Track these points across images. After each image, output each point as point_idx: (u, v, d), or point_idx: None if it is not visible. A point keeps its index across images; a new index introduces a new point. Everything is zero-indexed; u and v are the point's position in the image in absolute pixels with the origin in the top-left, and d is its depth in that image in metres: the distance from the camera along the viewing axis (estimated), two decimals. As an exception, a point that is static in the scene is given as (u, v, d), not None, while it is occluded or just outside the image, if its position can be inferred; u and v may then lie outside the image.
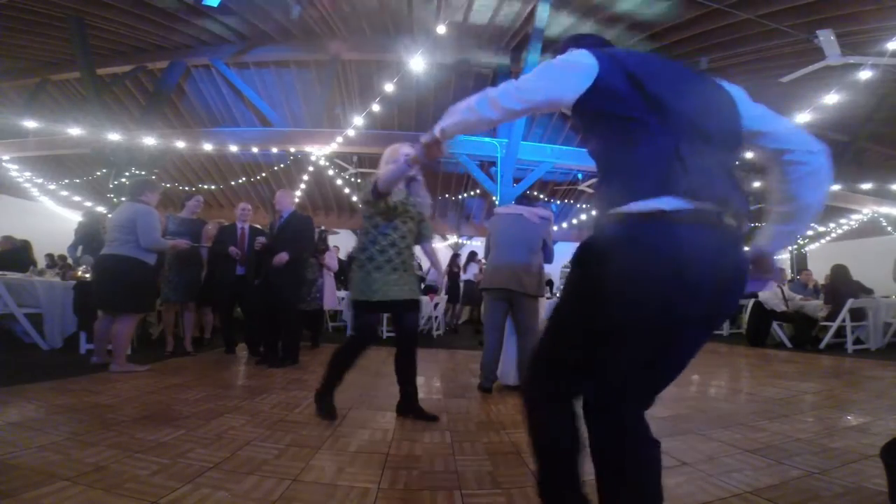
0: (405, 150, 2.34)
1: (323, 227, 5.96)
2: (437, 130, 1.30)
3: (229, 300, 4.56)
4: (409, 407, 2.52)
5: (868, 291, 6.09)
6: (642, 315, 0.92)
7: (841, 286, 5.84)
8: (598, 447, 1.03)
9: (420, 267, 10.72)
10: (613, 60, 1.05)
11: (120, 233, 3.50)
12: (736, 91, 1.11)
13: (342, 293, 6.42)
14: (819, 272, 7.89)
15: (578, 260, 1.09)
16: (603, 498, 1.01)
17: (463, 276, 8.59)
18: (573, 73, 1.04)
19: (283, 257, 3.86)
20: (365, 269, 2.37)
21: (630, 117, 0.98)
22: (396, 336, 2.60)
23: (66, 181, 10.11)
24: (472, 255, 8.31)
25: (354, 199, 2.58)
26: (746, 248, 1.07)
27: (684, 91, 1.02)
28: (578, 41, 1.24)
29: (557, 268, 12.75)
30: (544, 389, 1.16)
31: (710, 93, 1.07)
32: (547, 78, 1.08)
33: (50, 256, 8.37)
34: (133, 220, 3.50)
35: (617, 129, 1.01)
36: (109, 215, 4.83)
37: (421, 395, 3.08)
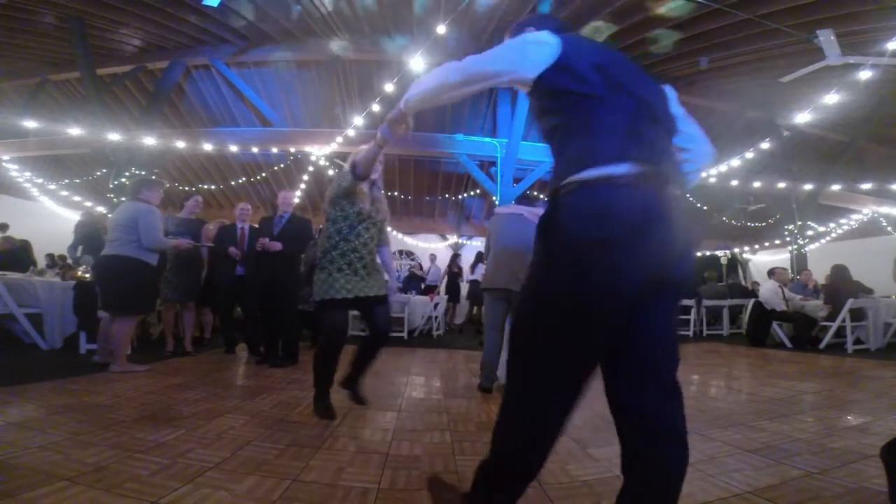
0: None
1: (322, 227, 5.97)
2: (402, 104, 1.33)
3: (229, 300, 4.56)
4: (349, 384, 2.56)
5: (868, 291, 6.09)
6: (611, 278, 0.92)
7: (841, 286, 5.84)
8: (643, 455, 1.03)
9: (421, 267, 10.74)
10: (576, 42, 1.10)
11: (121, 232, 3.47)
12: (669, 90, 1.21)
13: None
14: (819, 272, 7.88)
15: (543, 229, 1.04)
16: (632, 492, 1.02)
17: (470, 276, 8.68)
18: (537, 50, 1.08)
19: (275, 245, 3.87)
20: (327, 270, 2.38)
21: (592, 95, 1.03)
22: (369, 331, 2.61)
23: (66, 181, 10.09)
24: (480, 257, 8.36)
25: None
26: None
27: (638, 81, 1.10)
28: (538, 23, 1.27)
29: (557, 268, 12.75)
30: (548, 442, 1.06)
31: (655, 86, 1.16)
32: (511, 51, 1.12)
33: (50, 256, 8.36)
34: (135, 219, 3.47)
35: (578, 105, 1.05)
36: (110, 215, 4.82)
37: (421, 395, 3.09)
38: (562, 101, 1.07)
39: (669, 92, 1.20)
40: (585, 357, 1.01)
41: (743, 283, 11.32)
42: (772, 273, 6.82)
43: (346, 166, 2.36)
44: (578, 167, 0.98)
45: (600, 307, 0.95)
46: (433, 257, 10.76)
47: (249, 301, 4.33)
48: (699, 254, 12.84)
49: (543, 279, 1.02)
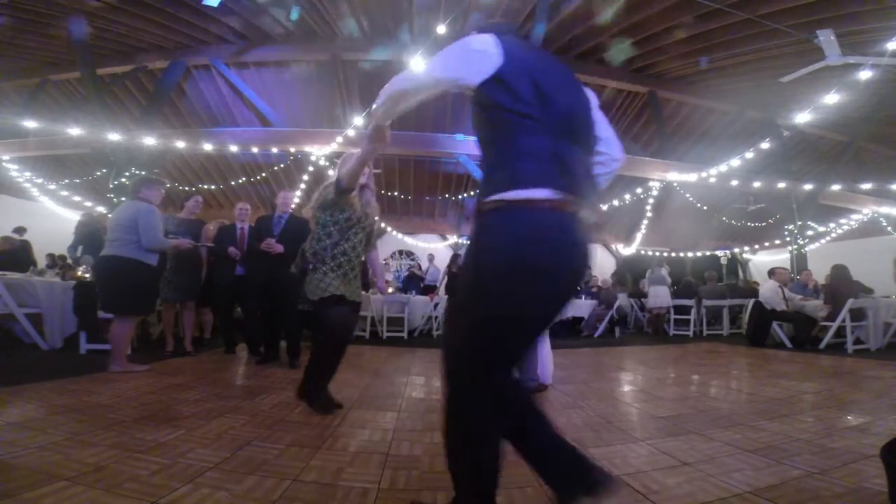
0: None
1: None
2: (371, 118, 1.43)
3: (229, 300, 4.56)
4: (315, 395, 2.56)
5: (868, 291, 6.08)
6: (527, 284, 1.03)
7: (841, 286, 5.84)
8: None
9: (420, 267, 10.74)
10: (516, 52, 1.13)
11: (121, 233, 3.44)
12: (592, 96, 1.28)
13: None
14: (819, 272, 7.88)
15: (472, 246, 1.14)
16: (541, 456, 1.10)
17: None
18: (479, 58, 1.12)
19: (278, 247, 3.89)
20: (321, 270, 2.44)
21: (524, 114, 1.08)
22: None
23: (66, 181, 10.09)
24: None
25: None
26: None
27: (567, 93, 1.16)
28: (486, 27, 1.29)
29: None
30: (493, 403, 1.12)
31: (581, 96, 1.21)
32: (455, 57, 1.16)
33: (51, 256, 8.37)
34: (134, 218, 3.45)
35: (508, 122, 1.10)
36: (110, 215, 4.82)
37: (421, 395, 3.09)
38: (494, 114, 1.12)
39: (592, 98, 1.27)
40: (513, 355, 1.15)
41: (742, 283, 11.31)
42: (772, 273, 6.82)
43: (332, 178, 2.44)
44: (503, 186, 1.07)
45: (520, 326, 1.08)
46: (431, 257, 10.77)
47: (249, 301, 4.33)
48: (699, 254, 12.85)
49: (473, 298, 1.11)
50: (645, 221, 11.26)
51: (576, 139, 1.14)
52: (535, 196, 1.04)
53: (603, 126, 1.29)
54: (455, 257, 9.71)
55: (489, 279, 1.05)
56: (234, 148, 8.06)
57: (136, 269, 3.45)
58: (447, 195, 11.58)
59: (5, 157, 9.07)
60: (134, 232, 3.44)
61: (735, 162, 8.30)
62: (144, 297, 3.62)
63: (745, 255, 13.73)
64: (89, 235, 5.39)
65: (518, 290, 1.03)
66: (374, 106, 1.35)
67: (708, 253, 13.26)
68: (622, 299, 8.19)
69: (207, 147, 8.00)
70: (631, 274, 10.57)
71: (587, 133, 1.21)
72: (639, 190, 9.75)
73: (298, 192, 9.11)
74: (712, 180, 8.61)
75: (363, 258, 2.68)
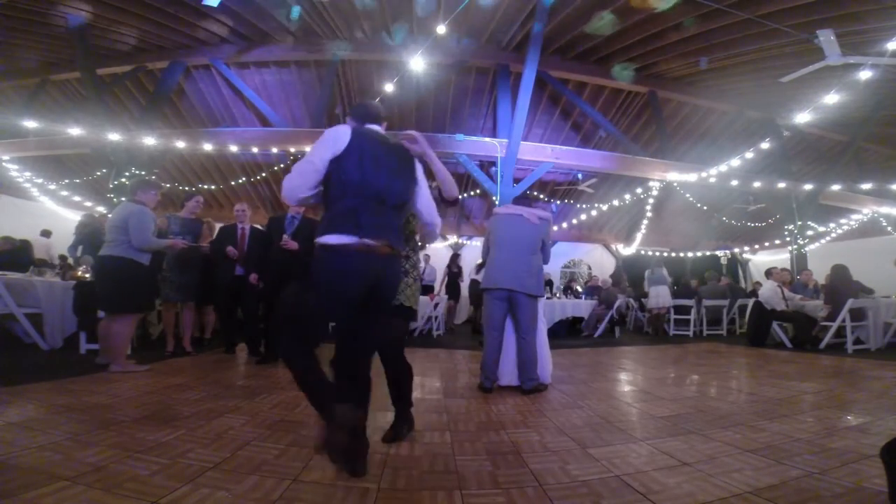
0: None
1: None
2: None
3: (229, 300, 4.56)
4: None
5: (868, 291, 6.09)
6: (335, 297, 1.62)
7: (841, 286, 5.84)
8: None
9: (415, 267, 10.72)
10: (359, 143, 1.69)
11: (116, 233, 3.51)
12: (418, 174, 1.88)
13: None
14: (819, 272, 7.88)
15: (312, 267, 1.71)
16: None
17: (473, 276, 8.69)
18: (331, 142, 1.68)
19: (292, 244, 3.93)
20: None
21: (344, 183, 1.65)
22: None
23: (66, 181, 10.08)
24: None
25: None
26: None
27: (386, 173, 1.72)
28: (356, 114, 1.91)
29: (557, 268, 12.74)
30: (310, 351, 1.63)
31: (398, 178, 1.77)
32: (320, 144, 1.69)
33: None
34: (126, 219, 3.51)
35: (335, 188, 1.66)
36: (109, 215, 4.82)
37: (421, 395, 3.09)
38: (329, 182, 1.67)
39: (417, 174, 1.86)
40: (341, 317, 1.76)
41: (743, 283, 11.31)
42: (769, 273, 6.81)
43: None
44: (323, 232, 1.64)
45: (338, 309, 1.67)
46: (427, 257, 10.75)
47: (249, 301, 4.33)
48: (699, 254, 12.85)
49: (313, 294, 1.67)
50: (645, 221, 11.26)
51: (383, 203, 1.71)
52: (339, 242, 1.61)
53: (422, 196, 1.89)
54: (455, 257, 9.73)
55: (317, 287, 1.64)
56: (234, 148, 8.06)
57: (127, 267, 3.49)
58: (447, 195, 11.54)
59: (5, 157, 9.07)
60: (126, 232, 3.49)
61: (735, 162, 8.30)
62: (137, 294, 3.62)
63: (745, 255, 13.72)
64: (89, 235, 5.39)
65: (322, 292, 1.62)
66: (285, 196, 1.76)
67: (708, 253, 13.26)
68: (621, 299, 8.19)
69: (207, 147, 7.99)
70: (628, 274, 10.55)
71: (397, 200, 1.77)
72: (639, 190, 9.74)
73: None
74: (712, 180, 8.60)
75: None
